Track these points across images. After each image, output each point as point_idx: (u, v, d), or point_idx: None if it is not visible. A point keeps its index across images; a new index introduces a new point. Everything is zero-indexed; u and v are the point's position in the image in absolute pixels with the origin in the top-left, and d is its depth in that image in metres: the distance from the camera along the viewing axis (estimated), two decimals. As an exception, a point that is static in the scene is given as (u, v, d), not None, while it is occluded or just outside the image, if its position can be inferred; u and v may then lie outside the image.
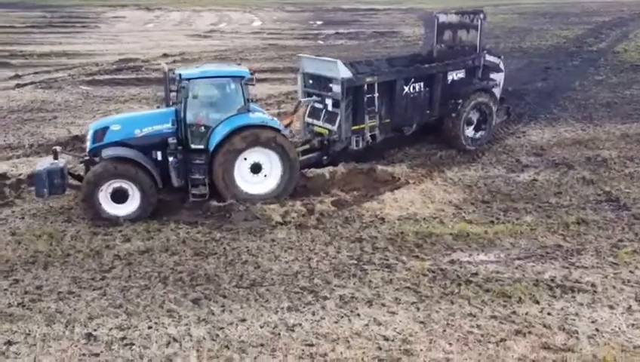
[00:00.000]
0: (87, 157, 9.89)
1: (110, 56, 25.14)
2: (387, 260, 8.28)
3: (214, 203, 9.77)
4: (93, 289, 7.53)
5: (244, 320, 6.85)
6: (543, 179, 11.30)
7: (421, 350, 6.33)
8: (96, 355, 6.26)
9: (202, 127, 9.88)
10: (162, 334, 6.61)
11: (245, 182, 9.98)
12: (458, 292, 7.43)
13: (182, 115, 9.77)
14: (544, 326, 6.73)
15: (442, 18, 14.28)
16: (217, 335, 6.58)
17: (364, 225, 9.35)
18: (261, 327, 6.74)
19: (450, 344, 6.44)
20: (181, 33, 34.50)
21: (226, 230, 9.15)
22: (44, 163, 9.76)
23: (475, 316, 6.95)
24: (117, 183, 9.33)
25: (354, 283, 7.65)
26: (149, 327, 6.73)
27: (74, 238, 8.89)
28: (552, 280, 7.69)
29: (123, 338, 6.52)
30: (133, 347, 6.38)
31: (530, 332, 6.61)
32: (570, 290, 7.46)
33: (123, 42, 30.24)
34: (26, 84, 19.62)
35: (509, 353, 6.27)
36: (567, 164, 12.08)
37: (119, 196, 9.38)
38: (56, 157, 9.78)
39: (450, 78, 12.63)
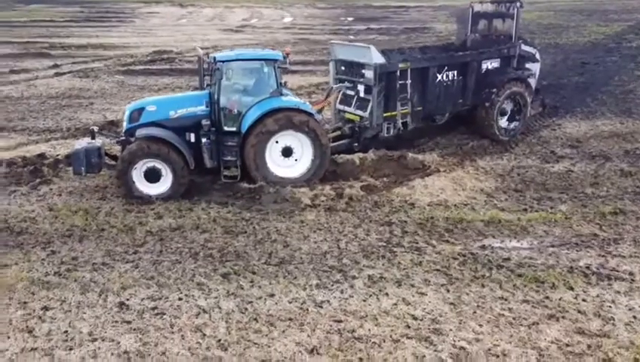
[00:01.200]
0: (123, 138, 10.09)
1: (144, 49, 25.66)
2: (417, 243, 8.20)
3: (245, 184, 9.86)
4: (126, 262, 7.69)
5: (272, 295, 6.89)
6: (579, 170, 11.02)
7: (450, 330, 6.24)
8: (128, 323, 6.38)
9: (235, 110, 9.97)
10: (192, 305, 6.70)
11: (276, 165, 10.03)
12: (489, 276, 7.30)
13: (215, 97, 9.88)
14: (579, 311, 6.56)
15: (477, 7, 14.06)
16: (246, 309, 6.63)
17: (393, 210, 9.29)
18: (289, 303, 6.76)
19: (481, 325, 6.33)
20: (213, 28, 34.97)
21: (255, 211, 9.23)
22: (82, 142, 10.02)
23: (506, 299, 6.82)
24: (151, 163, 9.51)
25: (383, 264, 7.61)
26: (180, 299, 6.84)
27: (108, 214, 9.10)
28: (587, 268, 7.49)
29: (154, 308, 6.64)
30: (164, 316, 6.49)
31: (563, 317, 6.45)
32: (607, 278, 7.25)
33: (157, 36, 30.82)
34: (64, 73, 20.21)
35: (542, 336, 6.13)
36: (604, 155, 11.76)
37: (152, 175, 9.56)
38: (93, 137, 10.04)
39: (484, 66, 12.42)
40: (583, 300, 6.79)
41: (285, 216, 9.06)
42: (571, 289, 7.02)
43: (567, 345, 5.98)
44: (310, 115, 10.02)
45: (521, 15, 13.17)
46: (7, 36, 29.49)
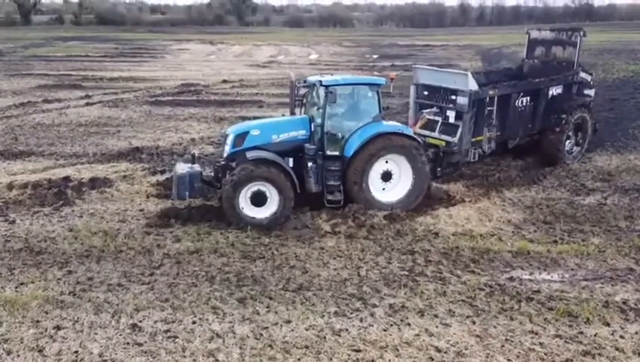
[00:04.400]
0: (223, 162, 9.88)
1: (173, 81, 26.31)
2: (441, 273, 7.88)
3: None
4: (142, 284, 7.55)
5: (289, 322, 6.64)
6: (612, 204, 10.59)
7: (477, 363, 5.86)
8: (140, 345, 6.19)
9: (339, 134, 9.89)
10: (206, 329, 6.49)
11: (376, 189, 9.91)
12: (518, 309, 6.91)
13: (320, 121, 9.79)
14: (616, 349, 6.13)
15: (534, 35, 14.40)
16: (261, 335, 6.39)
17: (416, 239, 9.00)
18: (306, 330, 6.49)
19: (510, 360, 5.95)
20: (241, 63, 35.77)
21: (274, 236, 9.05)
22: (183, 167, 9.89)
23: (537, 334, 6.42)
24: (257, 186, 9.27)
25: (405, 293, 7.30)
26: (194, 322, 6.64)
27: (127, 236, 9.03)
28: (624, 303, 7.04)
29: (167, 331, 6.45)
30: (177, 340, 6.29)
31: (600, 354, 6.03)
32: (646, 314, 6.78)
33: (186, 70, 31.63)
34: (94, 103, 20.76)
35: (577, 374, 5.71)
36: (638, 190, 11.29)
37: (258, 199, 9.31)
38: (194, 162, 10.00)
39: (550, 92, 12.65)
40: (621, 337, 6.35)
41: (305, 242, 8.85)
42: (607, 324, 6.58)
43: (605, 384, 5.55)
44: (414, 139, 10.02)
45: (583, 43, 13.40)
46: (45, 69, 30.71)
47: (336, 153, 9.82)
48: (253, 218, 9.27)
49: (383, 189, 9.99)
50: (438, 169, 11.25)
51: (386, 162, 9.90)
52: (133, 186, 11.31)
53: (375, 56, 39.60)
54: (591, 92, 13.66)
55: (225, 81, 26.43)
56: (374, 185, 9.89)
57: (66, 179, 11.50)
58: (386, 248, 8.67)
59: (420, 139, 10.35)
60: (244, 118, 16.76)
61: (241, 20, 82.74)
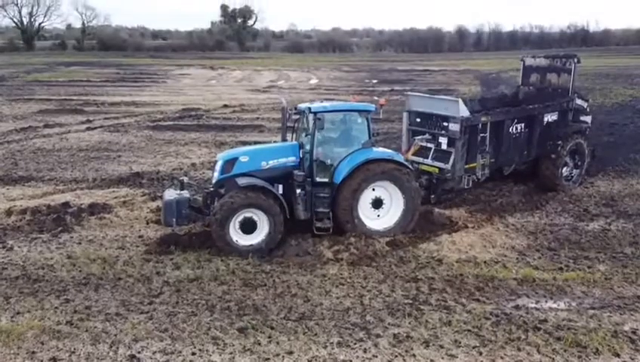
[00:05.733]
0: (212, 189, 9.83)
1: (174, 106, 26.43)
2: (445, 301, 7.73)
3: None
4: (141, 313, 7.40)
5: (291, 353, 6.48)
6: (616, 229, 10.48)
7: (485, 397, 5.70)
8: (138, 377, 6.03)
9: (328, 160, 9.84)
10: (206, 361, 6.33)
11: (366, 217, 9.79)
12: (525, 339, 6.76)
13: (309, 148, 9.72)
14: (628, 381, 5.96)
15: (529, 62, 14.45)
16: (263, 366, 6.23)
17: (419, 266, 8.88)
18: (309, 361, 6.33)
19: (519, 393, 5.77)
20: (241, 88, 36.03)
21: (276, 263, 8.93)
22: (171, 193, 9.79)
23: (545, 365, 6.26)
24: (247, 213, 9.20)
25: (409, 323, 7.14)
26: (193, 353, 6.48)
27: (126, 264, 8.90)
28: (633, 333, 6.89)
29: (166, 362, 6.29)
30: (176, 372, 6.12)
31: (611, 387, 5.85)
32: (656, 345, 6.63)
33: (187, 95, 31.82)
34: (95, 128, 20.81)
35: (588, 407, 5.54)
36: (642, 215, 11.22)
37: (248, 226, 9.23)
38: (182, 188, 9.90)
39: (546, 119, 12.62)
40: (632, 368, 6.18)
41: (306, 269, 8.72)
42: (617, 355, 6.43)
43: (618, 419, 5.37)
44: (404, 165, 9.95)
45: (577, 70, 13.40)
46: (46, 94, 30.90)
47: (326, 180, 9.74)
48: (251, 245, 9.19)
49: (378, 216, 9.88)
50: (432, 196, 11.18)
51: (373, 190, 9.76)
52: (133, 212, 11.22)
53: (375, 81, 39.91)
54: (587, 118, 13.63)
55: (226, 106, 26.57)
56: (364, 211, 9.76)
57: (66, 204, 11.40)
58: (388, 275, 8.54)
59: (410, 166, 10.27)
60: (244, 143, 16.78)
61: (242, 46, 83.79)
